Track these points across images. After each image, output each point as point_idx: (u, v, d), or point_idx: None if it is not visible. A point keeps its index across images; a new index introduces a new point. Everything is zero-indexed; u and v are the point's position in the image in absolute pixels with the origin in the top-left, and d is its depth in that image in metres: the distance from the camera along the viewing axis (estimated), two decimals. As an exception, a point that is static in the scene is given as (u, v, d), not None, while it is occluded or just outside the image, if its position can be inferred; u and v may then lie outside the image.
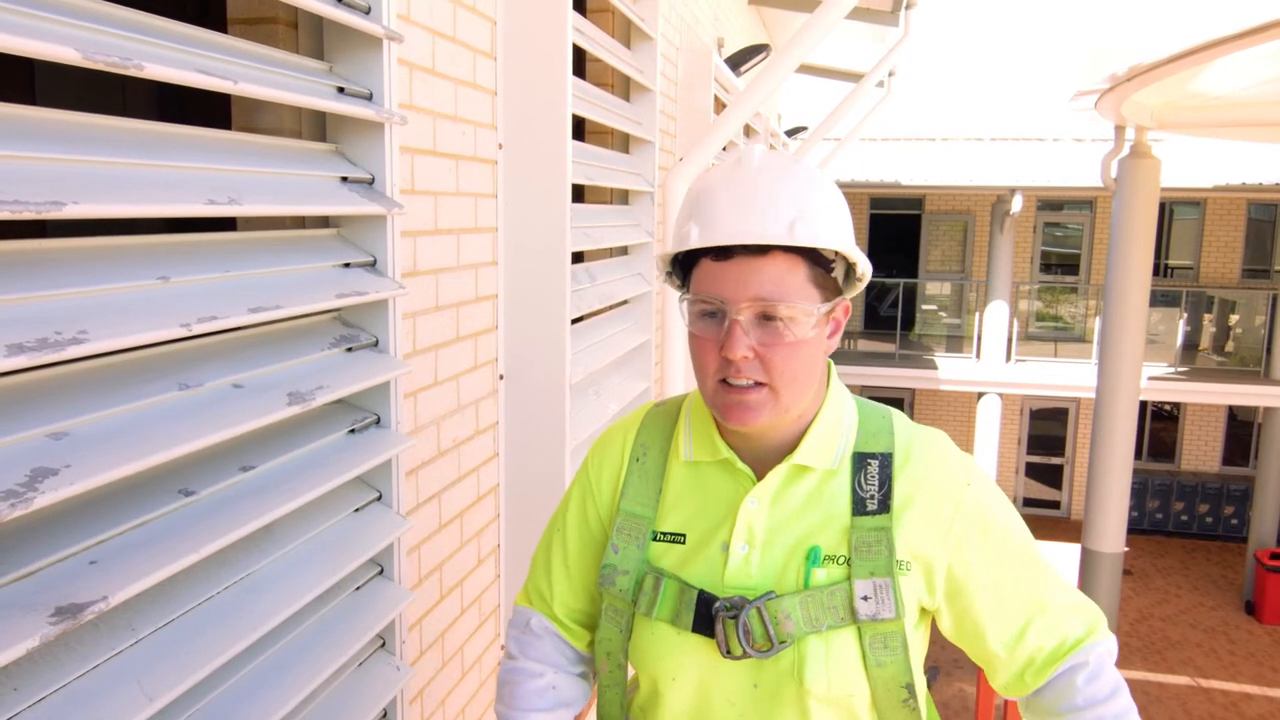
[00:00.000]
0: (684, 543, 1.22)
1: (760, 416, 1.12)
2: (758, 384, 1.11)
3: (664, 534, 1.23)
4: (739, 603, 1.14)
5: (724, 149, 4.65)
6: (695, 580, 1.19)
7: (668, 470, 1.26)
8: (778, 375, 1.10)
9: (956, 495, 1.18)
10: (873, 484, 1.18)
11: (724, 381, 1.12)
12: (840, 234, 1.12)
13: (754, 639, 1.14)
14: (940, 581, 1.17)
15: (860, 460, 1.19)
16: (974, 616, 1.18)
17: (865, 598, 1.14)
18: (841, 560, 1.15)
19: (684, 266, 1.19)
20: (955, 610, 1.19)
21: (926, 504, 1.17)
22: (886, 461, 1.19)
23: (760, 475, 1.20)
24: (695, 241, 1.11)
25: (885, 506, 1.16)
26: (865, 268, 1.16)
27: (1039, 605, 1.18)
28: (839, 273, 1.15)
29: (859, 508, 1.17)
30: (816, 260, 1.11)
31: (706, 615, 1.16)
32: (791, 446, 1.19)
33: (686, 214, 1.15)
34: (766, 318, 1.09)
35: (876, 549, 1.15)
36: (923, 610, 1.20)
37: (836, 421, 1.21)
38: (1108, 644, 1.20)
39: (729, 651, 1.15)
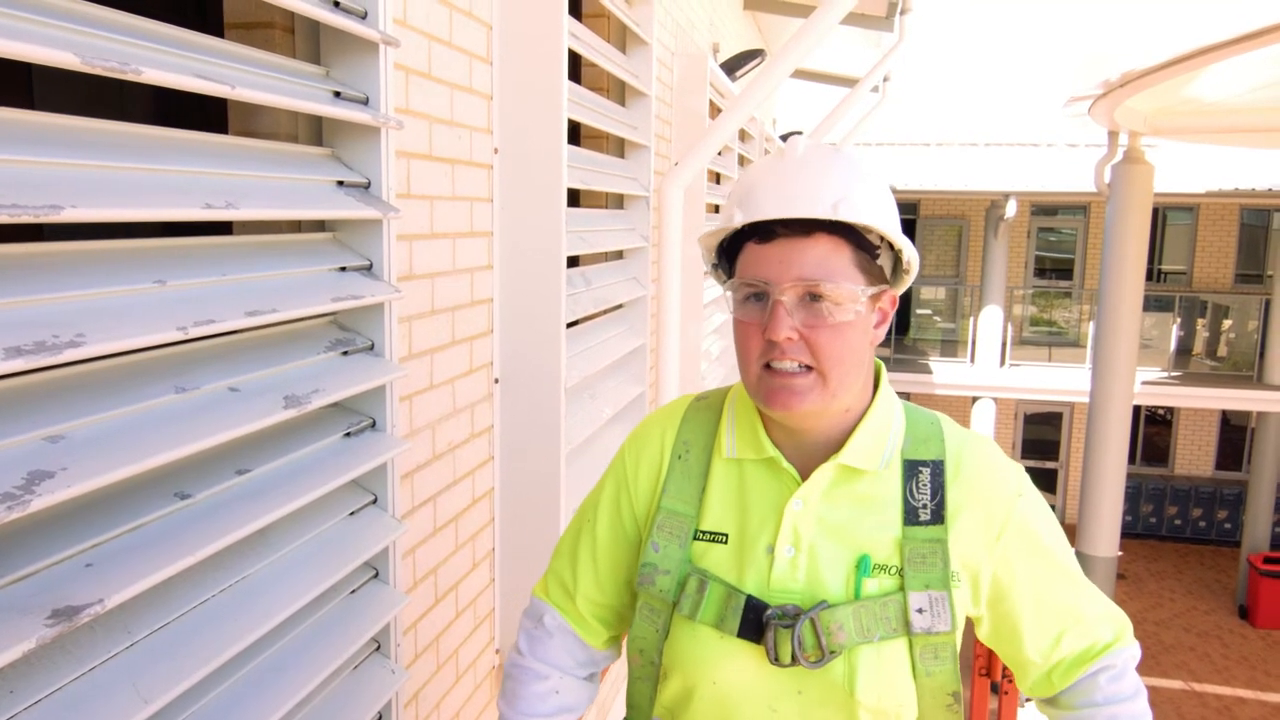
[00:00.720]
0: (725, 542, 1.19)
1: (806, 401, 1.09)
2: (805, 368, 1.09)
3: (705, 533, 1.20)
4: (793, 612, 1.12)
5: (719, 154, 4.65)
6: (740, 583, 1.16)
7: (710, 468, 1.23)
8: (824, 358, 1.08)
9: (1007, 506, 1.17)
10: (924, 493, 1.16)
11: (768, 366, 1.10)
12: (885, 217, 1.10)
13: (805, 649, 1.11)
14: (985, 589, 1.18)
15: (911, 468, 1.17)
16: (1012, 624, 1.19)
17: (920, 610, 1.12)
18: (893, 571, 1.14)
19: (730, 258, 1.18)
20: (995, 616, 1.20)
21: (978, 513, 1.16)
22: (938, 470, 1.17)
23: (805, 475, 1.17)
24: (739, 221, 1.11)
25: (939, 517, 1.15)
26: (911, 255, 1.14)
27: (1075, 616, 1.20)
28: (885, 264, 1.13)
29: (911, 517, 1.15)
30: (861, 245, 1.10)
31: (754, 622, 1.13)
32: (837, 446, 1.16)
33: (732, 202, 1.15)
34: (811, 299, 1.08)
35: (931, 560, 1.13)
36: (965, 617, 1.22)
37: (885, 423, 1.18)
38: (1133, 649, 1.22)
39: (777, 659, 1.12)
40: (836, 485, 1.17)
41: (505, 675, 1.36)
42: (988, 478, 1.18)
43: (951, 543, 1.14)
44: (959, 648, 1.16)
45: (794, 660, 1.11)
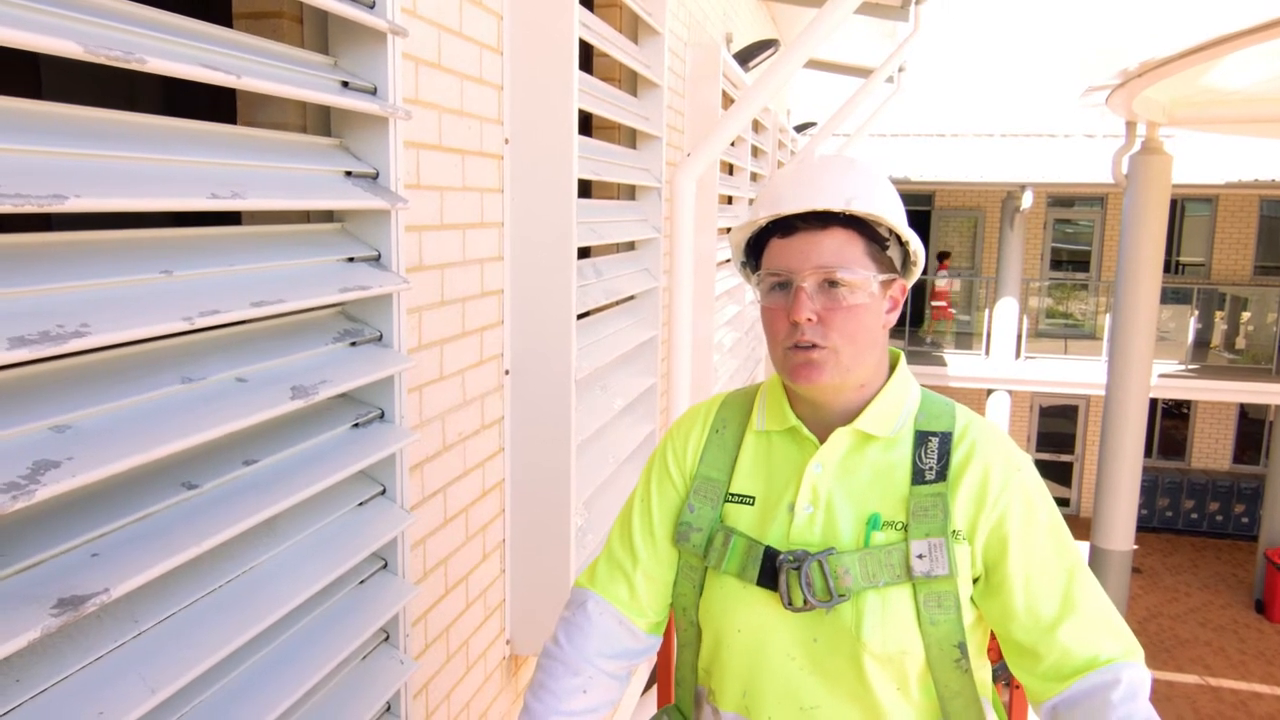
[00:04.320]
0: (753, 504, 1.32)
1: (824, 374, 1.22)
2: (821, 345, 1.21)
3: (734, 495, 1.34)
4: (801, 556, 1.23)
5: (732, 144, 4.64)
6: (762, 538, 1.28)
7: (743, 440, 1.37)
8: (838, 336, 1.21)
9: (1006, 473, 1.25)
10: (931, 458, 1.26)
11: (792, 347, 1.23)
12: (893, 211, 1.24)
13: (815, 591, 1.22)
14: (980, 545, 1.23)
15: (922, 437, 1.28)
16: (1006, 593, 1.22)
17: (920, 556, 1.21)
18: (900, 526, 1.24)
19: (757, 255, 1.31)
20: (991, 583, 1.24)
21: (978, 475, 1.24)
22: (946, 439, 1.28)
23: (824, 442, 1.30)
24: (763, 217, 1.25)
25: (942, 476, 1.25)
26: (917, 247, 1.28)
27: (1072, 605, 1.20)
28: (895, 256, 1.27)
29: (918, 478, 1.25)
30: (873, 237, 1.23)
31: (771, 569, 1.25)
32: (854, 418, 1.28)
33: (759, 204, 1.29)
34: (829, 284, 1.21)
35: (933, 513, 1.23)
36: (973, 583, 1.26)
37: (899, 398, 1.31)
38: (1141, 671, 1.18)
39: (790, 602, 1.23)
40: (853, 451, 1.29)
41: (538, 666, 1.37)
42: (991, 448, 1.27)
43: (952, 499, 1.23)
44: (962, 600, 1.22)
45: (806, 604, 1.22)
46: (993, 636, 1.34)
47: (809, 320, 1.20)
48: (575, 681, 1.33)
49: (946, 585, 1.21)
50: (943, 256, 15.45)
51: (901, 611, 1.21)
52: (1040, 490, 1.27)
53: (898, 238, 1.26)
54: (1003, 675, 1.46)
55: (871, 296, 1.23)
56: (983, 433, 1.29)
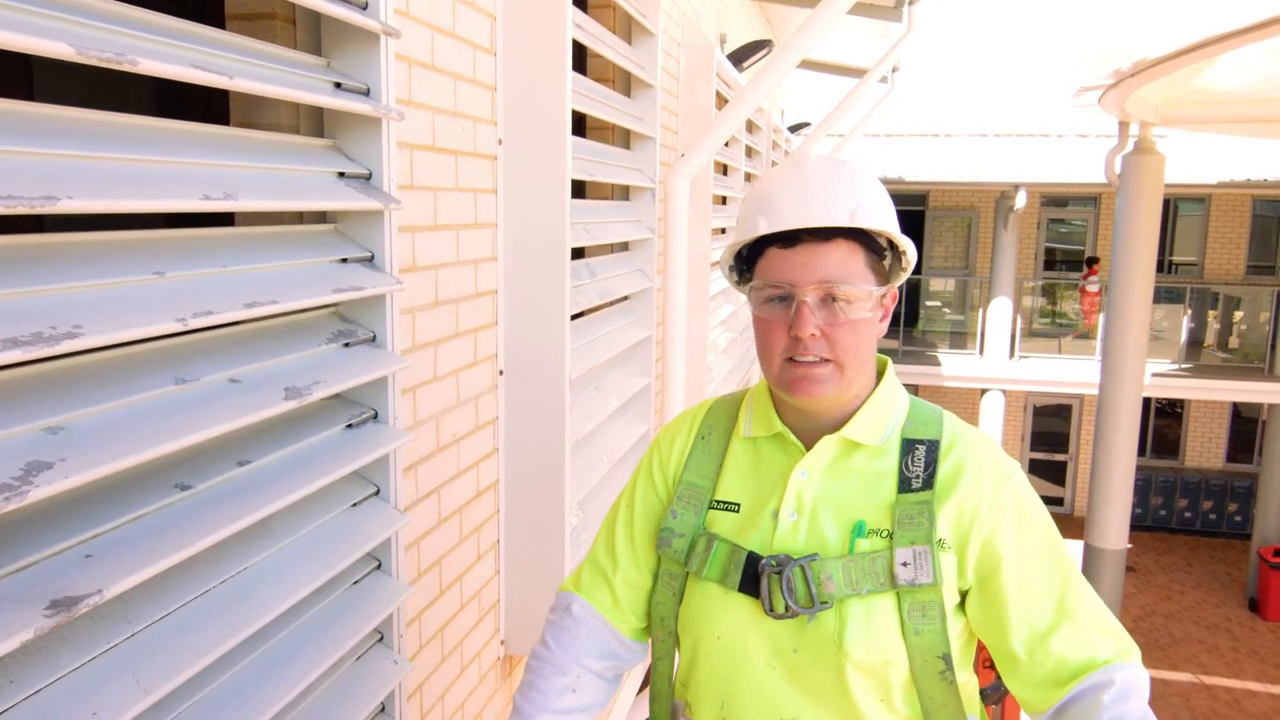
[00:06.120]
0: (738, 511, 1.30)
1: (826, 389, 1.21)
2: (824, 360, 1.20)
3: (719, 502, 1.32)
4: (784, 560, 1.20)
5: (726, 145, 4.64)
6: (745, 544, 1.25)
7: (729, 447, 1.35)
8: (842, 351, 1.20)
9: (997, 482, 1.23)
10: (918, 466, 1.24)
11: (790, 360, 1.21)
12: (892, 222, 1.23)
13: (797, 597, 1.19)
14: (973, 559, 1.21)
15: (909, 445, 1.26)
16: (1000, 605, 1.19)
17: (905, 564, 1.18)
18: (885, 534, 1.21)
19: (747, 260, 1.29)
20: (984, 596, 1.21)
21: (968, 485, 1.22)
22: (933, 447, 1.25)
23: (811, 449, 1.27)
24: (765, 229, 1.21)
25: (929, 484, 1.23)
26: (912, 255, 1.26)
27: (1067, 612, 1.18)
28: (887, 261, 1.26)
29: (904, 486, 1.23)
30: (871, 247, 1.22)
31: (753, 575, 1.22)
32: (842, 424, 1.27)
33: (752, 209, 1.25)
34: (831, 299, 1.19)
35: (918, 521, 1.20)
36: (961, 595, 1.23)
37: (888, 406, 1.28)
38: (1137, 671, 1.16)
39: (772, 608, 1.20)
40: (839, 459, 1.27)
41: (526, 668, 1.38)
42: (980, 457, 1.25)
43: (939, 508, 1.21)
44: (948, 610, 1.20)
45: (787, 610, 1.19)
46: (980, 662, 1.33)
47: (812, 336, 1.18)
48: (564, 681, 1.33)
49: (931, 594, 1.18)
50: (1091, 262, 15.44)
51: (885, 620, 1.18)
52: (1031, 497, 1.24)
53: (892, 245, 1.25)
54: (992, 698, 1.45)
55: (871, 310, 1.21)
56: (971, 443, 1.26)
